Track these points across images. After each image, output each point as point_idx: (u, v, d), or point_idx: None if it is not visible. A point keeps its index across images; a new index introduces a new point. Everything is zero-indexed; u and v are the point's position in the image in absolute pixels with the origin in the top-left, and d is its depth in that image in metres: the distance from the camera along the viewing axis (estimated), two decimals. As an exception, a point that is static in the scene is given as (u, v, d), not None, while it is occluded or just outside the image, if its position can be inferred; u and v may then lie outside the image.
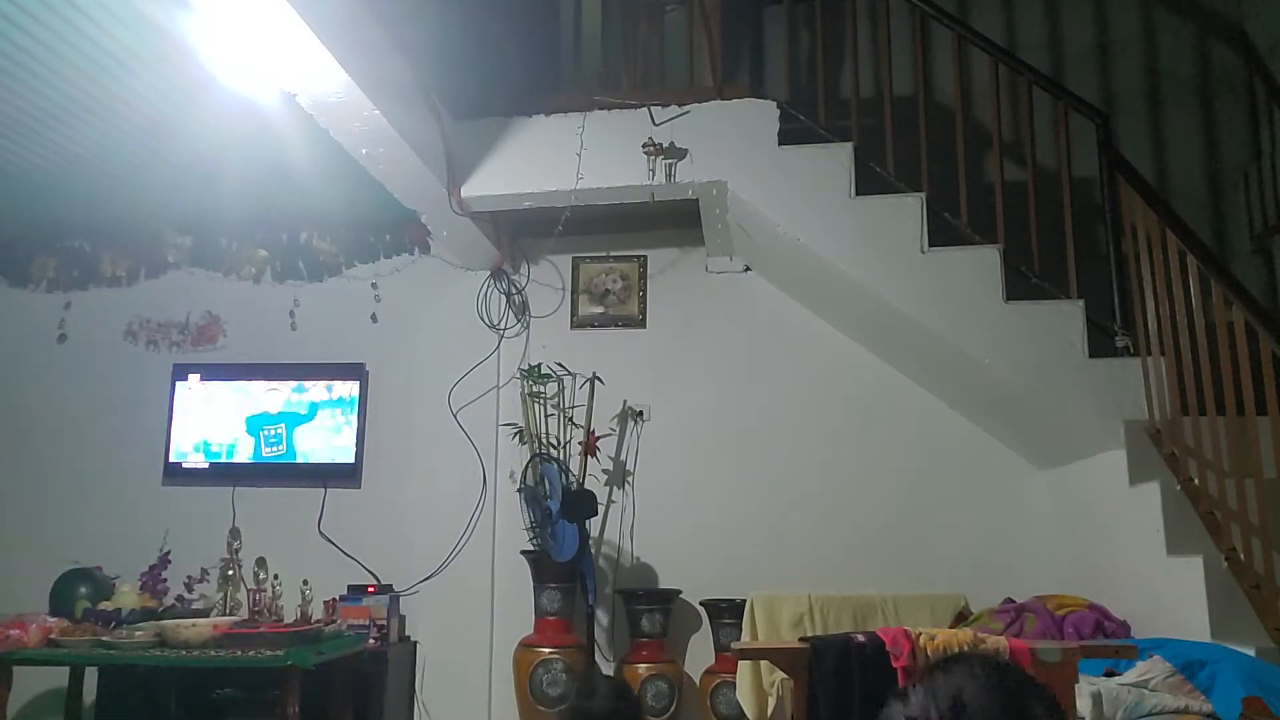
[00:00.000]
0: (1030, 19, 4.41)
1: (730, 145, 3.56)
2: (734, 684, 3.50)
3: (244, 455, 4.25)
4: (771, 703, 3.40)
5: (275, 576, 4.10)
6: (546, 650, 3.65)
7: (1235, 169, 4.20)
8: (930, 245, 3.45)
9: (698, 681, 3.81)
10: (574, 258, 4.30)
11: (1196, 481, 2.93)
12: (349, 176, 3.50)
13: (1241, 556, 2.73)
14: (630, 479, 4.10)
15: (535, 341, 4.25)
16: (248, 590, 4.03)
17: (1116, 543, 3.22)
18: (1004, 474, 3.90)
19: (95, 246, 4.60)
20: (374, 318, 4.40)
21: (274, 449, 4.24)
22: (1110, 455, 3.20)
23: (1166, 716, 2.30)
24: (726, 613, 3.73)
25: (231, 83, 3.05)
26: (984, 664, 1.07)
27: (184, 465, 4.27)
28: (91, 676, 3.71)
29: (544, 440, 3.93)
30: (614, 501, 4.07)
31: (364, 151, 3.24)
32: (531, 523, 3.75)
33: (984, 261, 3.42)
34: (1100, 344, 3.36)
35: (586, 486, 3.83)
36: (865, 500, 3.94)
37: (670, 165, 3.55)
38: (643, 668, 3.69)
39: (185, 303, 4.53)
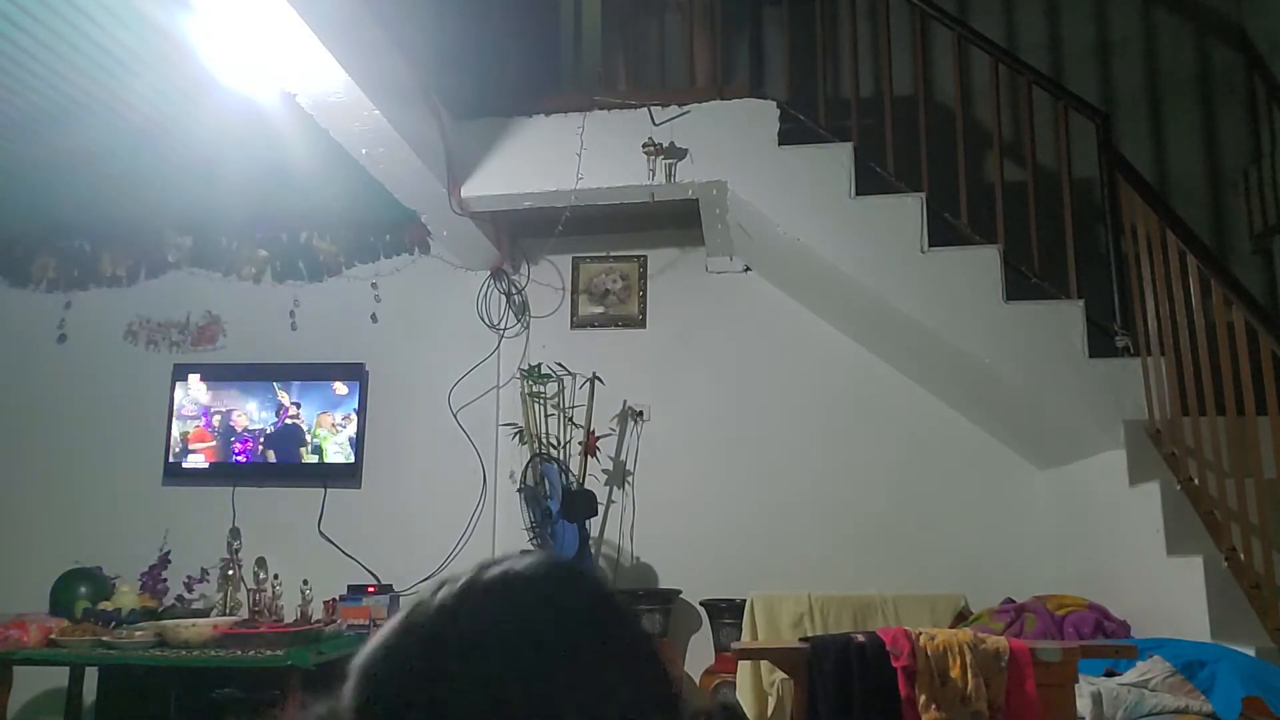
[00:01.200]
0: (1030, 19, 4.41)
1: (730, 145, 3.56)
2: (734, 684, 3.49)
3: (244, 455, 4.25)
4: (771, 703, 3.40)
5: (275, 576, 4.09)
6: (546, 650, 3.64)
7: (1235, 169, 4.20)
8: (930, 245, 3.45)
9: (698, 681, 3.81)
10: (574, 258, 4.30)
11: (1196, 481, 2.93)
12: (349, 176, 3.50)
13: (1241, 556, 2.73)
14: (630, 479, 4.10)
15: (535, 341, 4.25)
16: (248, 590, 4.02)
17: (1116, 543, 3.22)
18: (1004, 474, 3.90)
19: (95, 246, 4.60)
20: (374, 318, 4.40)
21: (274, 449, 4.24)
22: (1110, 455, 3.20)
23: (1166, 716, 2.30)
24: (726, 613, 3.73)
25: (231, 83, 3.05)
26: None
27: (184, 465, 4.27)
28: (91, 676, 3.71)
29: (544, 440, 3.93)
30: (614, 501, 4.07)
31: (364, 151, 3.24)
32: (531, 523, 3.75)
33: (984, 261, 3.42)
34: (1100, 344, 3.36)
35: (586, 486, 3.83)
36: (865, 500, 3.94)
37: (670, 165, 3.55)
38: (643, 668, 3.69)
39: (185, 303, 4.53)
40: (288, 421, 4.26)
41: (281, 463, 4.23)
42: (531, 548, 3.75)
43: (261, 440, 4.25)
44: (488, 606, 0.64)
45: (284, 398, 4.27)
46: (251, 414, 4.28)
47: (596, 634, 0.64)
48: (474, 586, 0.66)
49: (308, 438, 4.24)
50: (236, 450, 4.26)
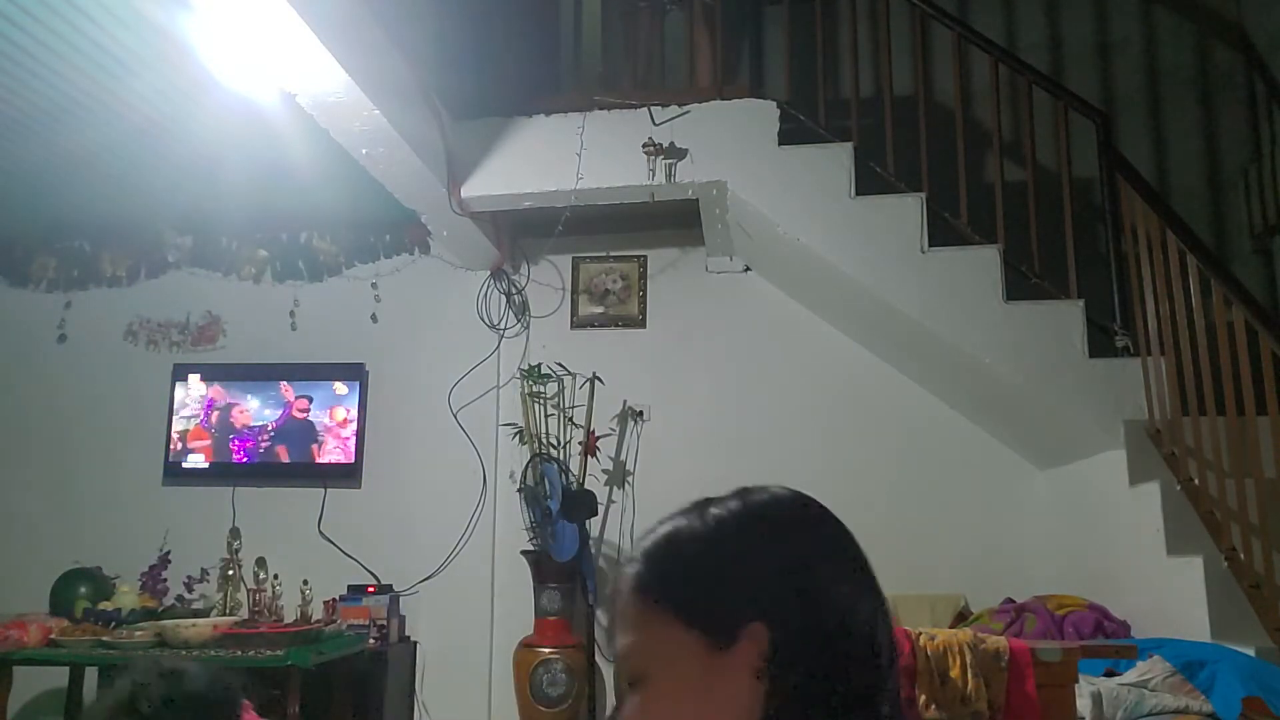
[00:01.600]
0: (1030, 19, 4.41)
1: (730, 145, 3.56)
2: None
3: (244, 455, 4.25)
4: (771, 703, 3.40)
5: (275, 576, 4.09)
6: (546, 650, 3.64)
7: (1235, 169, 4.20)
8: (930, 245, 3.45)
9: (698, 681, 3.80)
10: (574, 258, 4.30)
11: (1196, 481, 2.93)
12: (349, 176, 3.50)
13: (1241, 556, 2.73)
14: (630, 479, 4.09)
15: (535, 341, 4.25)
16: (248, 590, 4.02)
17: (1116, 543, 3.22)
18: (1004, 474, 3.90)
19: (95, 246, 4.60)
20: (374, 318, 4.40)
21: (274, 449, 4.24)
22: (1110, 455, 3.20)
23: (1166, 716, 2.30)
24: (726, 613, 3.72)
25: (231, 83, 3.05)
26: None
27: (184, 465, 4.27)
28: (91, 676, 3.71)
29: (544, 440, 3.93)
30: (614, 501, 4.07)
31: (364, 151, 3.24)
32: (531, 523, 3.75)
33: (984, 261, 3.42)
34: (1100, 344, 3.36)
35: (586, 486, 3.83)
36: (865, 500, 3.92)
37: (670, 165, 3.55)
38: (643, 668, 3.69)
39: (185, 303, 4.53)
40: (296, 415, 4.25)
41: (281, 463, 4.22)
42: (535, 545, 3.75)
43: (267, 437, 4.24)
44: (760, 516, 0.88)
45: (288, 393, 4.26)
46: (255, 412, 4.27)
47: (831, 540, 0.88)
48: (748, 503, 0.90)
49: (321, 434, 4.23)
50: (236, 449, 4.25)
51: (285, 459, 4.23)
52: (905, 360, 3.95)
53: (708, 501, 0.89)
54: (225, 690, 1.47)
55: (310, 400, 4.25)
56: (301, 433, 4.24)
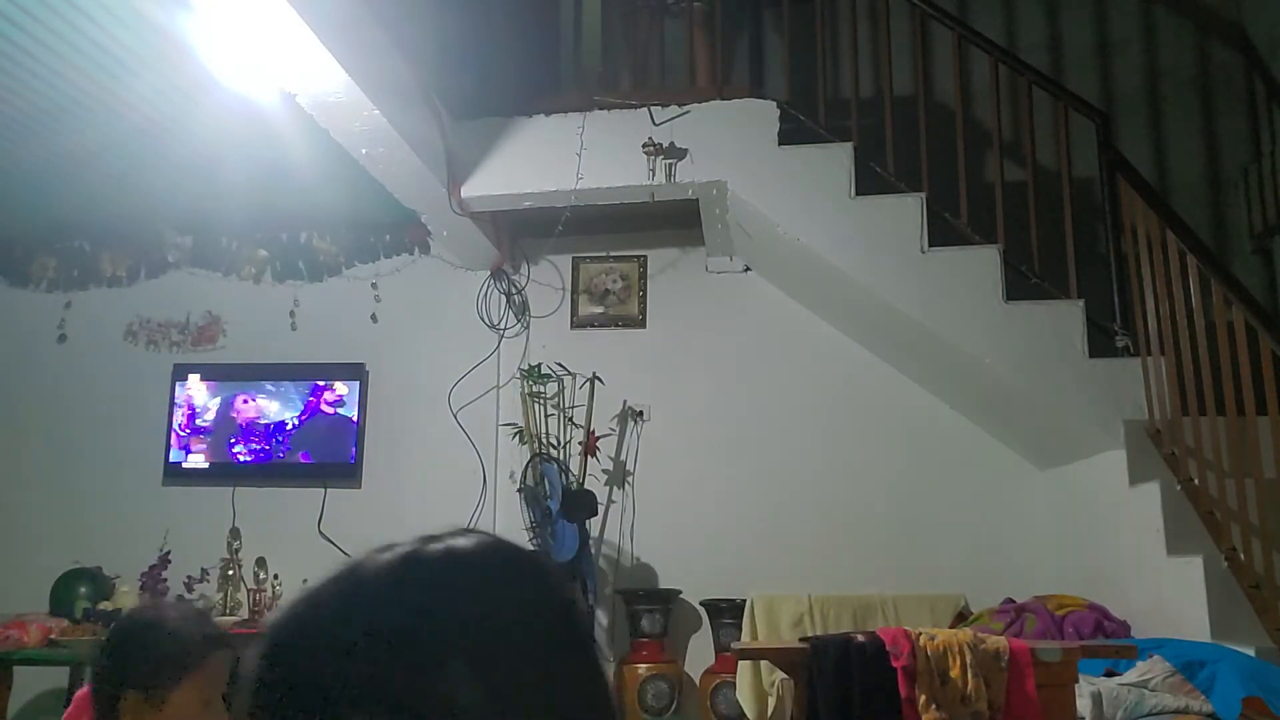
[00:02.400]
0: (1030, 19, 4.41)
1: (730, 145, 3.57)
2: (734, 684, 3.50)
3: (244, 455, 4.25)
4: (771, 703, 3.40)
5: (275, 576, 4.09)
6: (546, 650, 3.64)
7: (1235, 169, 4.20)
8: (930, 245, 3.45)
9: (698, 681, 3.81)
10: (574, 258, 4.30)
11: (1196, 481, 2.93)
12: (349, 176, 3.50)
13: (1241, 556, 2.74)
14: (630, 479, 4.09)
15: (535, 341, 4.25)
16: (248, 590, 4.03)
17: (1116, 543, 3.22)
18: (1004, 474, 3.90)
19: (95, 246, 4.59)
20: (374, 318, 4.40)
21: (274, 449, 4.24)
22: (1110, 455, 3.20)
23: (1166, 716, 2.30)
24: (726, 613, 3.73)
25: (231, 83, 3.05)
26: None
27: (184, 465, 4.27)
28: (91, 676, 3.71)
29: (544, 440, 3.93)
30: (614, 501, 4.07)
31: (364, 151, 3.24)
32: (531, 523, 3.75)
33: (984, 261, 3.42)
34: (1100, 344, 3.36)
35: (586, 486, 3.83)
36: (865, 500, 3.94)
37: (670, 165, 3.55)
38: (643, 668, 3.69)
39: (185, 303, 4.53)
40: (326, 410, 4.21)
41: (281, 463, 4.22)
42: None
43: (287, 438, 4.22)
44: (425, 588, 0.59)
45: (286, 395, 4.24)
46: (269, 411, 4.26)
47: (541, 629, 0.58)
48: (414, 561, 0.60)
49: (361, 432, 4.19)
50: (239, 450, 4.25)
51: (284, 459, 4.22)
52: (905, 360, 3.95)
53: (357, 565, 0.64)
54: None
55: (340, 396, 4.22)
56: (346, 430, 4.20)
